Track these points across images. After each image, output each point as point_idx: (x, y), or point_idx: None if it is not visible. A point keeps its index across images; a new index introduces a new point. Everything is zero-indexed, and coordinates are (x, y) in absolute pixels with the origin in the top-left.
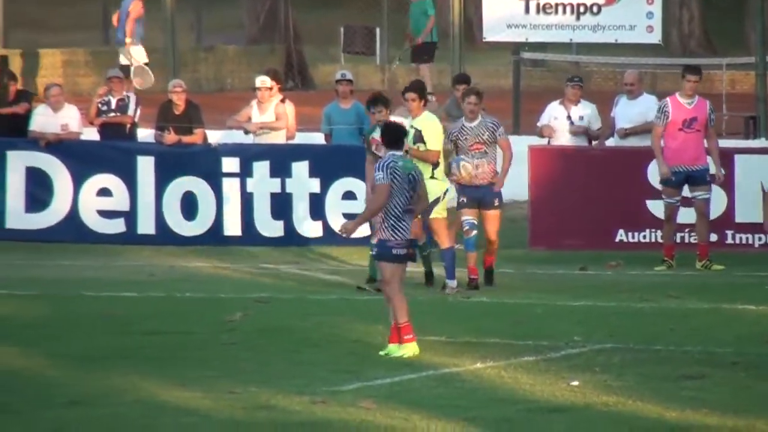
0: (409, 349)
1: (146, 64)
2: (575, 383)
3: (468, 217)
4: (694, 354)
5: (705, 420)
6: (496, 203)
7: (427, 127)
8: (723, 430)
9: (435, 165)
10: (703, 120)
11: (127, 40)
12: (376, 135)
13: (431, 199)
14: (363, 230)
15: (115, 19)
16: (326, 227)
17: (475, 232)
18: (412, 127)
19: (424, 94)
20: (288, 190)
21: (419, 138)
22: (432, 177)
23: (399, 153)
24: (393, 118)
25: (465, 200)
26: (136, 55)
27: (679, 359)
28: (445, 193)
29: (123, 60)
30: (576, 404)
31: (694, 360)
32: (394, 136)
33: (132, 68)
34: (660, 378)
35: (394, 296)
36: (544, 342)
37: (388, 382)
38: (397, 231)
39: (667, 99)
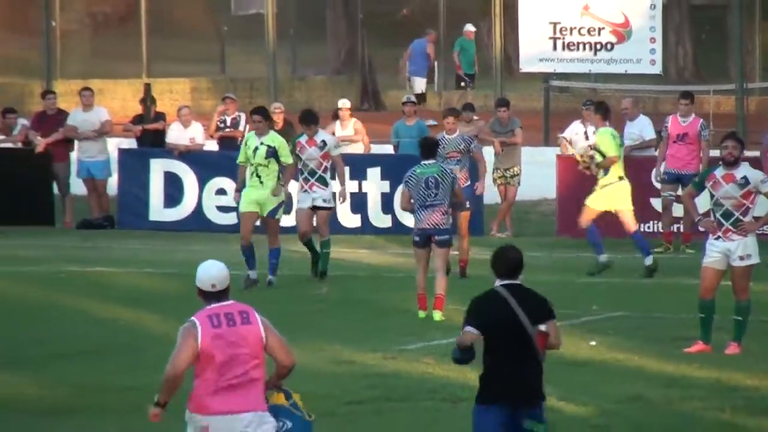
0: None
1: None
2: (593, 343)
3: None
4: (686, 320)
5: (695, 373)
6: (467, 205)
7: (603, 140)
8: (709, 380)
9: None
10: (694, 135)
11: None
12: (302, 139)
13: None
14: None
15: (406, 55)
16: (394, 220)
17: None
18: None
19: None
20: (364, 190)
21: (468, 142)
22: (620, 178)
23: (428, 162)
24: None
25: None
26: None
27: (675, 324)
28: None
29: (417, 89)
30: (594, 359)
31: (687, 325)
32: (427, 148)
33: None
34: (660, 339)
35: (420, 272)
36: (569, 311)
37: (444, 343)
38: (415, 222)
39: (669, 117)
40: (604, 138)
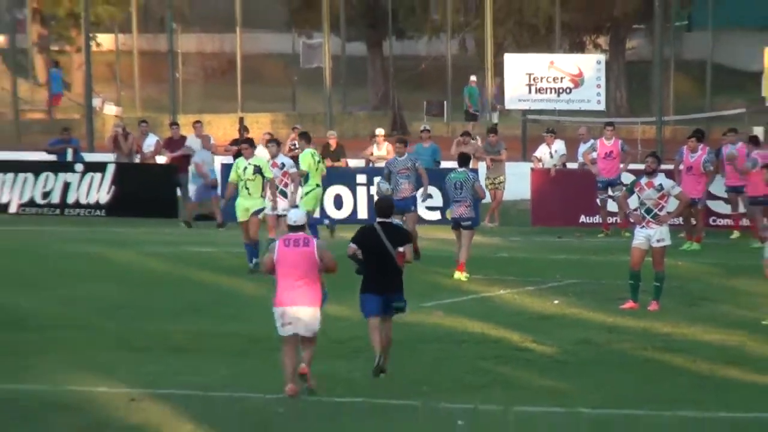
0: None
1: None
2: (556, 302)
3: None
4: (622, 285)
5: (628, 323)
6: (413, 209)
7: None
8: (637, 328)
9: None
10: (617, 152)
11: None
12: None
13: None
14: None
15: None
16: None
17: None
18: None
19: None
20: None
21: (414, 161)
22: None
23: (461, 169)
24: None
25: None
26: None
27: (614, 288)
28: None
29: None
30: (556, 313)
31: (622, 289)
32: (462, 161)
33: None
34: (604, 299)
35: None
36: (539, 278)
37: (450, 302)
38: (451, 213)
39: (597, 140)
40: None
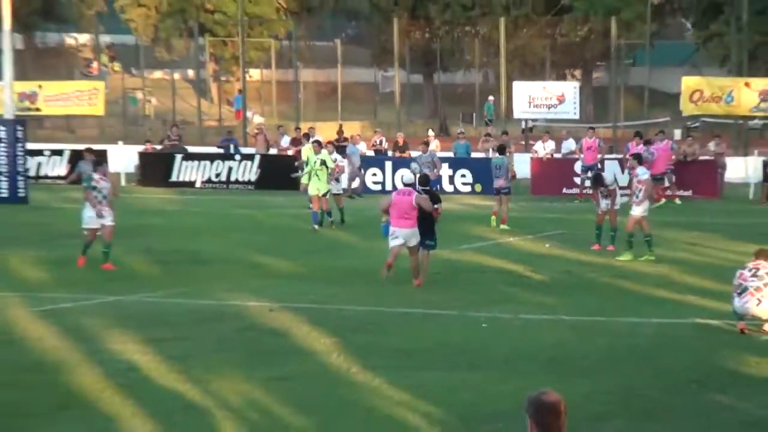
0: (506, 226)
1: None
2: (548, 245)
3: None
4: (592, 234)
5: (594, 260)
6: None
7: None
8: (600, 261)
9: None
10: (595, 146)
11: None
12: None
13: None
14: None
15: (486, 111)
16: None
17: None
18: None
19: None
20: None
21: (433, 157)
22: None
23: (499, 156)
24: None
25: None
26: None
27: (586, 236)
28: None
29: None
30: (548, 253)
31: (592, 237)
32: (500, 150)
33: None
34: (580, 244)
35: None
36: (536, 230)
37: (477, 245)
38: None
39: (583, 139)
40: None
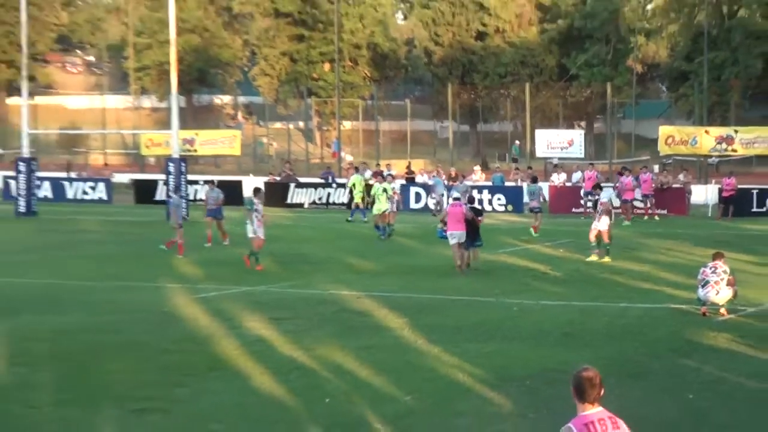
0: (536, 234)
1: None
2: (561, 250)
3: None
4: (588, 245)
5: (594, 262)
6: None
7: None
8: (604, 264)
9: None
10: (594, 177)
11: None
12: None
13: None
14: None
15: (514, 152)
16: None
17: None
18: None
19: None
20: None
21: (467, 187)
22: None
23: (534, 184)
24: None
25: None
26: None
27: (587, 245)
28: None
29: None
30: (562, 256)
31: (587, 246)
32: (533, 179)
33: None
34: (584, 249)
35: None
36: (553, 239)
37: (510, 250)
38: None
39: (585, 171)
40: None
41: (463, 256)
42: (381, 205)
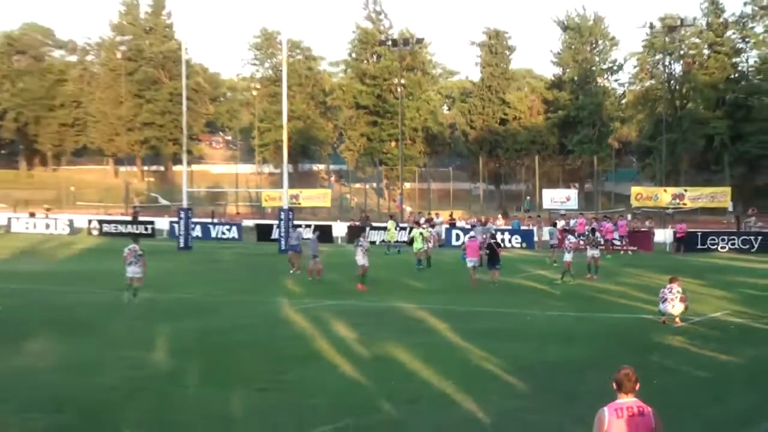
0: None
1: None
2: (566, 274)
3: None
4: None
5: (587, 283)
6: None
7: None
8: (597, 284)
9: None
10: (584, 223)
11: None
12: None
13: None
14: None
15: (525, 204)
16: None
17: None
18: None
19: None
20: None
21: (488, 229)
22: None
23: (550, 227)
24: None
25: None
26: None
27: (584, 269)
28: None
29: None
30: (562, 280)
31: (586, 270)
32: (553, 224)
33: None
34: (582, 273)
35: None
36: (558, 266)
37: (526, 274)
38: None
39: (578, 219)
40: None
41: (474, 276)
42: (418, 245)
